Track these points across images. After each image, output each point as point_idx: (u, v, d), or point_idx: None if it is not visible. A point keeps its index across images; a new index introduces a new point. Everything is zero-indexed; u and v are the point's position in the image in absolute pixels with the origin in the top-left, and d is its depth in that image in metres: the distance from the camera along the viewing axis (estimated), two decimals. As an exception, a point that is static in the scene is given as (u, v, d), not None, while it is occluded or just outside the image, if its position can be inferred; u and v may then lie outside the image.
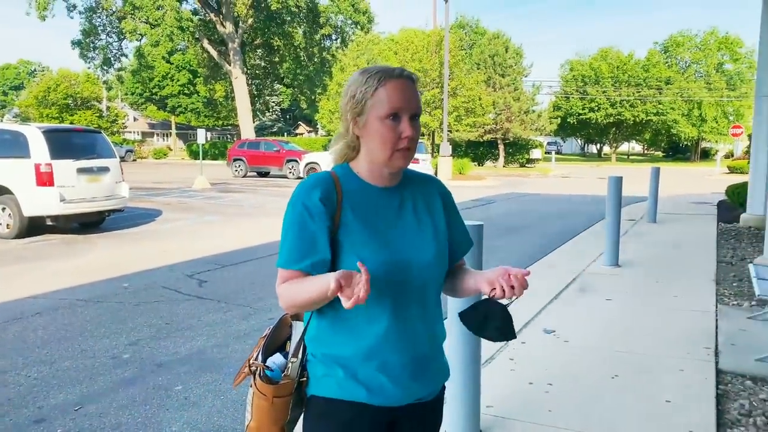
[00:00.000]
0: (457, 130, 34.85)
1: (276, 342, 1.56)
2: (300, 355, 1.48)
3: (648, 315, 5.14)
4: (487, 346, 4.13)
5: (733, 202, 12.71)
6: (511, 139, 39.83)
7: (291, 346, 1.54)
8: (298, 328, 1.54)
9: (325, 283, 1.28)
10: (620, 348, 4.32)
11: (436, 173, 24.49)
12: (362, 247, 1.40)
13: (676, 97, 49.85)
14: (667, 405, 3.36)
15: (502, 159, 40.25)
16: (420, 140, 26.86)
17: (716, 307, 5.36)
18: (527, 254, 8.15)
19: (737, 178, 17.83)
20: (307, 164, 22.66)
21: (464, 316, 1.47)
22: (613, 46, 52.88)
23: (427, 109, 31.89)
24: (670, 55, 55.46)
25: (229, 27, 35.23)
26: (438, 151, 26.99)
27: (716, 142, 55.40)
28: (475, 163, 36.97)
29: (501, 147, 40.19)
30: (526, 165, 40.93)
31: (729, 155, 46.37)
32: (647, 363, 4.01)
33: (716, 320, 4.98)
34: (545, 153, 48.40)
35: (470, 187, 22.37)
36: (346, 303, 1.22)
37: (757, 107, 10.76)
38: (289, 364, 1.47)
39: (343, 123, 1.49)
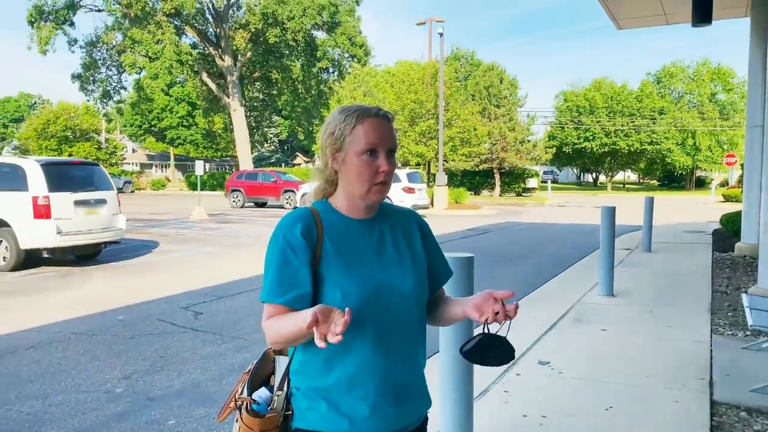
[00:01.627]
0: (453, 160, 35.11)
1: (260, 376, 1.59)
2: (285, 389, 1.50)
3: (643, 345, 5.14)
4: (481, 379, 4.13)
5: (728, 230, 12.77)
6: (507, 168, 40.07)
7: (276, 380, 1.56)
8: (281, 362, 1.57)
9: (303, 318, 1.28)
10: (615, 379, 4.31)
11: (432, 203, 24.61)
12: (343, 279, 1.44)
13: (670, 127, 50.41)
14: (661, 437, 3.36)
15: (498, 188, 40.43)
16: (416, 170, 27.15)
17: (711, 338, 5.37)
18: (523, 284, 8.16)
19: (732, 207, 17.95)
20: (304, 194, 22.70)
21: (467, 354, 1.51)
22: (607, 77, 53.67)
23: (422, 139, 32.18)
24: (663, 85, 56.24)
25: (228, 60, 35.73)
26: (434, 181, 27.13)
27: (711, 170, 55.85)
28: (471, 192, 37.12)
29: (497, 176, 40.40)
30: (523, 194, 41.09)
31: (724, 183, 46.67)
32: (642, 394, 4.00)
33: (711, 350, 4.98)
34: (541, 182, 48.63)
35: (466, 216, 22.45)
36: (318, 342, 1.23)
37: (749, 137, 10.91)
38: (275, 398, 1.49)
39: (322, 159, 1.56)
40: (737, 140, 48.98)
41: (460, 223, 18.88)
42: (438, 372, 2.96)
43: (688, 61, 64.15)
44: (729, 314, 6.27)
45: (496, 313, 1.43)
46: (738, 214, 11.85)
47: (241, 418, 1.48)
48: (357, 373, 1.45)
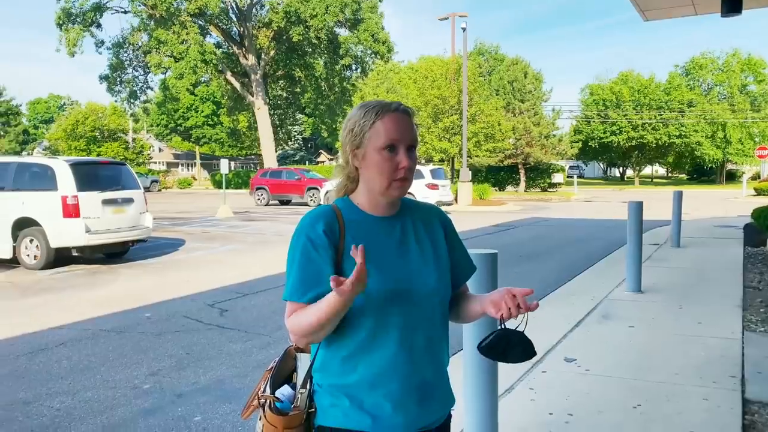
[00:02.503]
0: (476, 156, 34.89)
1: (282, 374, 1.59)
2: (308, 386, 1.50)
3: (671, 342, 5.04)
4: (506, 376, 4.09)
5: (760, 225, 12.44)
6: (532, 163, 39.74)
7: (298, 378, 1.56)
8: (303, 359, 1.57)
9: (326, 300, 1.35)
10: (643, 377, 4.24)
11: (456, 199, 24.50)
12: (366, 277, 1.43)
13: (699, 120, 49.41)
14: (692, 436, 3.28)
15: (523, 184, 40.12)
16: (440, 166, 27.04)
17: (742, 334, 5.24)
18: (548, 281, 8.07)
19: (764, 201, 17.51)
20: (328, 192, 22.84)
21: (485, 350, 1.49)
22: (633, 70, 52.73)
23: (446, 135, 32.03)
24: (692, 77, 55.19)
25: (252, 59, 35.99)
26: (458, 177, 27.01)
27: (742, 163, 54.63)
28: (496, 188, 36.92)
29: (522, 172, 40.09)
30: (548, 189, 40.72)
31: (756, 177, 45.67)
32: (671, 392, 3.93)
33: (742, 347, 4.86)
34: (567, 177, 48.10)
35: (491, 212, 22.29)
36: (338, 291, 1.28)
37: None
38: (298, 395, 1.49)
39: (342, 156, 1.55)
40: (769, 132, 47.84)
41: (484, 219, 18.76)
42: (462, 370, 2.94)
43: (718, 52, 62.78)
44: (761, 310, 6.12)
45: (517, 306, 1.41)
46: (771, 207, 11.54)
47: (265, 416, 1.48)
48: (381, 371, 1.44)
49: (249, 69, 36.37)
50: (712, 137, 50.54)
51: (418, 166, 22.38)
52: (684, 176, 64.23)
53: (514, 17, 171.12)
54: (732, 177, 55.29)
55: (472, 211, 22.69)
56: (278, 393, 1.52)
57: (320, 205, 1.56)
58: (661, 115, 49.49)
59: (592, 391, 3.98)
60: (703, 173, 57.95)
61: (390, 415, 1.44)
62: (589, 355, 4.71)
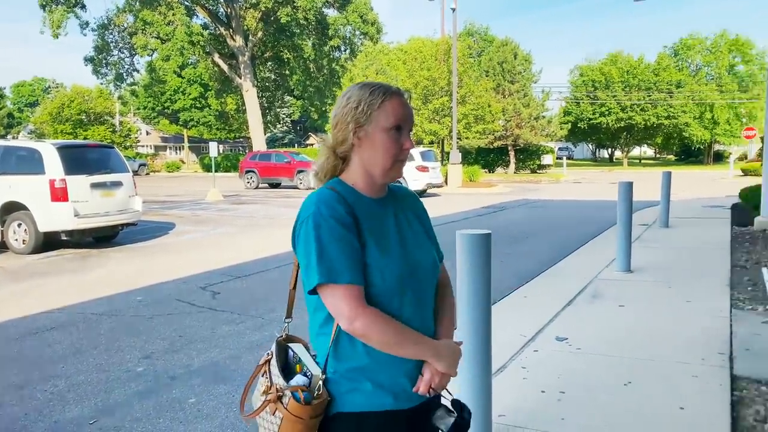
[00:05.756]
0: (466, 138, 34.86)
1: (282, 365, 1.54)
2: (324, 374, 1.47)
3: (661, 321, 5.10)
4: (499, 356, 4.13)
5: (748, 205, 12.58)
6: (522, 145, 39.75)
7: (307, 366, 1.50)
8: (299, 349, 1.54)
9: (433, 352, 1.50)
10: (633, 354, 4.29)
11: (446, 181, 24.50)
12: (380, 260, 1.46)
13: (688, 100, 49.55)
14: (681, 412, 3.34)
15: (512, 165, 40.18)
16: (430, 148, 26.98)
17: (731, 312, 5.31)
18: (539, 261, 8.12)
19: (751, 181, 17.67)
20: (314, 171, 22.72)
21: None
22: (623, 51, 52.63)
23: (436, 117, 31.96)
24: (681, 58, 55.25)
25: (239, 41, 35.56)
26: (448, 159, 26.99)
27: (729, 144, 55.01)
28: (486, 170, 36.94)
29: (512, 153, 40.12)
30: (538, 171, 40.82)
31: (743, 157, 46.00)
32: (661, 369, 3.98)
33: (731, 325, 4.93)
34: (556, 158, 48.20)
35: (481, 194, 22.34)
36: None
37: (769, 109, 10.68)
38: (319, 382, 1.45)
39: (339, 133, 1.53)
40: (756, 113, 48.12)
41: (475, 201, 18.81)
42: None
43: (706, 32, 62.85)
44: (749, 288, 6.20)
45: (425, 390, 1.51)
46: (758, 188, 11.65)
47: (287, 409, 1.42)
48: None
49: (237, 50, 35.94)
50: (700, 118, 50.74)
51: (408, 148, 22.38)
52: (672, 157, 64.56)
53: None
54: (719, 158, 55.65)
55: (463, 193, 22.72)
56: (293, 383, 1.47)
57: (323, 188, 1.52)
58: (650, 96, 49.55)
59: (584, 370, 4.03)
60: (690, 154, 58.27)
61: (407, 389, 1.50)
62: (580, 334, 4.76)
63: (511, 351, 4.36)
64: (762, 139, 14.48)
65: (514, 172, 39.48)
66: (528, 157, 40.97)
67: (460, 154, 27.17)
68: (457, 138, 28.10)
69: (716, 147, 56.62)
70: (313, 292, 1.44)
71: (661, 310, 5.45)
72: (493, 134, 36.88)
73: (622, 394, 3.62)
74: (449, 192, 23.01)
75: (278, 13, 33.66)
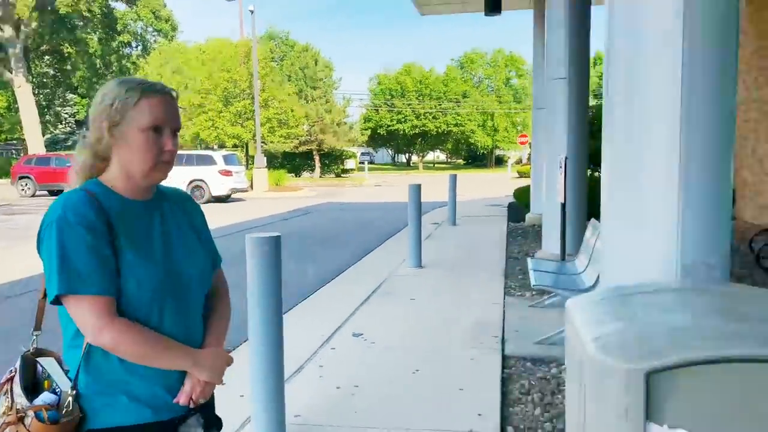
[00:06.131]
0: (271, 142, 34.65)
1: (28, 383, 1.41)
2: (74, 390, 1.37)
3: (447, 310, 5.55)
4: (296, 358, 4.17)
5: (520, 203, 14.22)
6: (326, 150, 40.59)
7: (58, 382, 1.40)
8: (49, 364, 1.43)
9: (192, 360, 1.45)
10: (422, 344, 4.61)
11: (252, 185, 24.11)
12: (136, 267, 1.38)
13: (472, 109, 54.65)
14: (460, 393, 3.66)
15: (318, 170, 40.83)
16: (233, 152, 26.31)
17: (504, 299, 5.95)
18: (342, 262, 8.35)
19: (525, 182, 20.01)
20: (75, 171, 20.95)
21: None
22: (416, 62, 56.49)
23: (238, 120, 31.30)
24: (466, 70, 60.69)
25: (8, 31, 31.40)
26: (253, 163, 26.57)
27: (508, 149, 61.68)
28: (292, 174, 37.06)
29: (317, 158, 40.76)
30: (342, 175, 41.97)
31: (519, 161, 51.86)
32: (445, 355, 4.33)
33: (503, 311, 5.53)
34: (359, 163, 50.04)
35: (287, 198, 22.36)
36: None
37: (534, 118, 12.20)
38: (69, 399, 1.35)
39: (94, 132, 1.44)
40: (528, 121, 54.66)
41: (280, 205, 18.76)
42: (247, 359, 2.93)
43: (486, 48, 69.91)
44: (520, 277, 7.00)
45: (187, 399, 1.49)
46: (528, 188, 13.24)
47: (29, 431, 1.31)
48: None
49: (6, 42, 31.71)
50: (483, 126, 56.26)
51: (210, 152, 21.55)
52: (461, 161, 70.61)
53: (303, 3, 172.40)
54: (500, 162, 62.18)
55: (269, 198, 22.54)
56: (38, 401, 1.35)
57: (74, 190, 1.41)
58: (441, 105, 53.74)
59: (378, 362, 4.23)
60: (477, 158, 64.32)
61: (167, 401, 1.44)
62: (375, 329, 4.99)
63: (309, 351, 4.43)
64: (530, 144, 16.47)
65: (320, 177, 40.16)
66: (332, 161, 41.95)
67: (266, 158, 26.92)
68: (262, 142, 27.80)
69: (497, 152, 63.18)
70: (58, 302, 1.34)
71: (447, 300, 5.93)
72: (297, 139, 37.13)
73: (411, 381, 3.86)
74: (255, 196, 22.67)
75: (56, 3, 30.42)
